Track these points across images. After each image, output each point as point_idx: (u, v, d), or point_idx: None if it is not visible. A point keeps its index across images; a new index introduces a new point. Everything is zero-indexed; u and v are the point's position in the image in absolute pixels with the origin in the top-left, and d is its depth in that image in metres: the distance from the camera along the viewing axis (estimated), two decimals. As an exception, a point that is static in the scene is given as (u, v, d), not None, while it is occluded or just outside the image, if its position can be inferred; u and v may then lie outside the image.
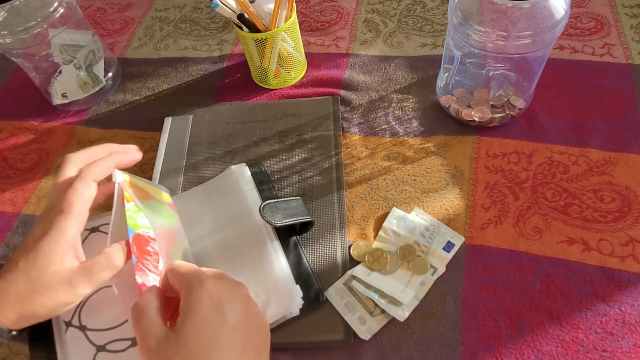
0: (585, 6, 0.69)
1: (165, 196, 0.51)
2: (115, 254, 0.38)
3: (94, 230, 0.49)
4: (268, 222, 0.46)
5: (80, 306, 0.45)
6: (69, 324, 0.44)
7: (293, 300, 0.44)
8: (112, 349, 0.43)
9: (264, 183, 0.54)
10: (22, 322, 0.36)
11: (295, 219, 0.48)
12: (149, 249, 0.40)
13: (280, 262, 0.46)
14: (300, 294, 0.44)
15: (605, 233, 0.48)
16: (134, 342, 0.43)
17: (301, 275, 0.47)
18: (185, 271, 0.36)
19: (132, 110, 0.67)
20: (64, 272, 0.36)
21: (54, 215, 0.38)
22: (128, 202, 0.41)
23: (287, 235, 0.49)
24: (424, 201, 0.52)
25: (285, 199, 0.50)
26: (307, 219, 0.48)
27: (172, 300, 0.38)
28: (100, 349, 0.43)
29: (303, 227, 0.50)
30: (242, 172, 0.54)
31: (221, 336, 0.33)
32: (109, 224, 0.41)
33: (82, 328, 0.44)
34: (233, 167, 0.55)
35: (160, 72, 0.71)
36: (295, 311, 0.44)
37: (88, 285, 0.37)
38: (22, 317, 0.36)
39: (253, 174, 0.54)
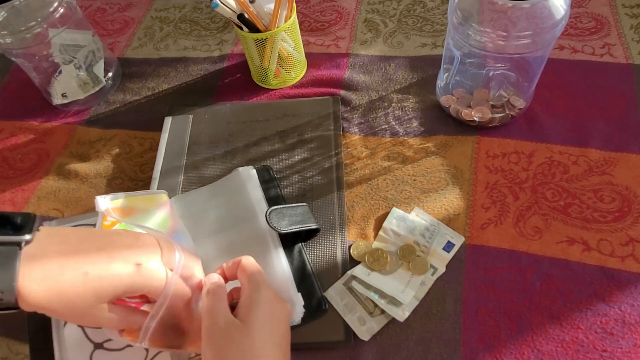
0: (585, 6, 0.69)
1: (160, 199, 0.50)
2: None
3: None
4: (274, 228, 0.46)
5: None
6: None
7: (294, 309, 0.44)
8: (110, 347, 0.43)
9: (270, 187, 0.53)
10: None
11: (301, 226, 0.47)
12: None
13: (283, 270, 0.46)
14: (302, 302, 0.44)
15: (605, 233, 0.48)
16: None
17: (304, 282, 0.46)
18: (256, 271, 0.40)
19: (132, 110, 0.67)
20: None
21: None
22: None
23: (292, 241, 0.49)
24: (424, 201, 0.52)
25: (292, 205, 0.50)
26: (313, 226, 0.48)
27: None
28: (98, 346, 0.43)
29: (308, 234, 0.50)
30: (249, 175, 0.53)
31: (276, 336, 0.37)
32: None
33: None
34: (240, 169, 0.54)
35: (160, 72, 0.71)
36: (297, 320, 0.44)
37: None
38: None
39: (260, 177, 0.54)
